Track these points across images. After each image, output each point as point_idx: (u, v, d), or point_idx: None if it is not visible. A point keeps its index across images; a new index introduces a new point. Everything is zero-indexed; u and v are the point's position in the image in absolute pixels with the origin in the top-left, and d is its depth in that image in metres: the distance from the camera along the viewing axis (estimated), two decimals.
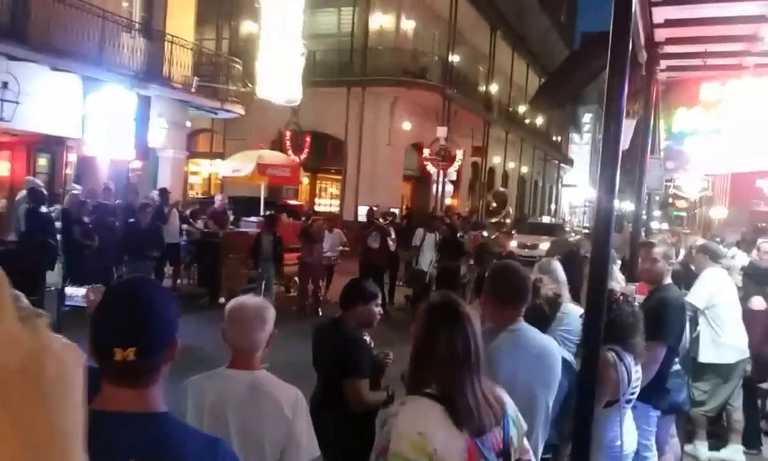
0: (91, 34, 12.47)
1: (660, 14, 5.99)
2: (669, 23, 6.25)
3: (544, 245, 16.68)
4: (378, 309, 3.75)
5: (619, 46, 2.93)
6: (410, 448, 1.84)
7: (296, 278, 12.43)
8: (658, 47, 6.74)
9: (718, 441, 5.79)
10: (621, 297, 3.36)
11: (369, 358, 3.56)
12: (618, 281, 5.36)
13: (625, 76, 2.95)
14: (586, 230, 26.46)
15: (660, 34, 6.54)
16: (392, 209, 21.62)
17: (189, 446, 1.44)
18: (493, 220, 21.48)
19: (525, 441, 2.08)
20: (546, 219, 25.56)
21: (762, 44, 6.43)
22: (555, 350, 2.73)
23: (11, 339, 0.80)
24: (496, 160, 33.43)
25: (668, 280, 4.35)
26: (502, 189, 23.85)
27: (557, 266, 4.19)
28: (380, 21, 23.76)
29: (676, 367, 4.44)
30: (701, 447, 5.66)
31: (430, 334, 2.01)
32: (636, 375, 3.29)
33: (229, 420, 2.35)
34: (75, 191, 11.03)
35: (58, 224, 9.78)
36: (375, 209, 14.19)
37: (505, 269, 2.79)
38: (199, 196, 20.49)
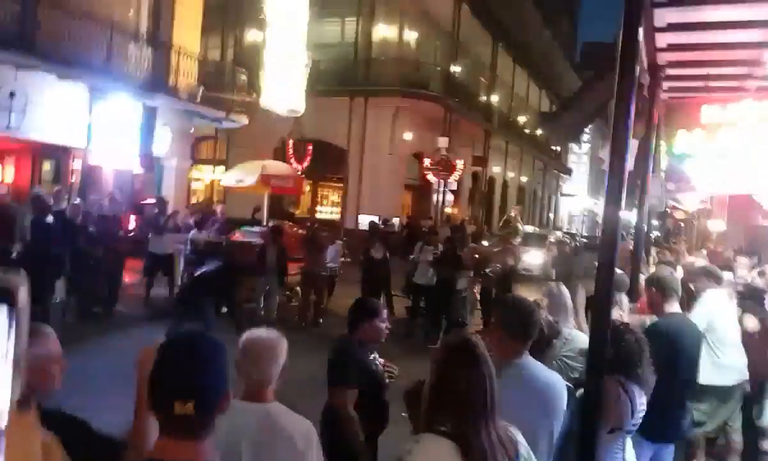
0: (98, 44, 12.55)
1: (663, 39, 6.07)
2: (672, 48, 6.34)
3: (531, 255, 16.26)
4: (384, 324, 3.83)
5: (626, 70, 2.99)
6: None
7: (298, 289, 12.49)
8: (661, 70, 6.83)
9: None
10: (622, 327, 3.40)
11: (361, 370, 3.62)
12: (621, 306, 5.44)
13: (631, 100, 3.00)
14: (583, 239, 26.44)
15: (663, 58, 6.63)
16: (394, 219, 21.75)
17: None
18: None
19: None
20: (530, 229, 25.11)
21: (763, 69, 6.53)
22: (559, 384, 2.77)
23: None
24: (496, 170, 33.53)
25: (668, 307, 4.41)
26: (513, 214, 23.84)
27: (562, 291, 4.24)
28: (383, 32, 23.90)
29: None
30: None
31: (448, 374, 2.03)
32: (641, 405, 3.32)
33: (243, 453, 2.40)
34: (76, 202, 11.09)
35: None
36: (379, 221, 14.30)
37: (517, 303, 2.83)
38: (196, 206, 20.49)
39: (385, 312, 3.95)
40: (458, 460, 1.91)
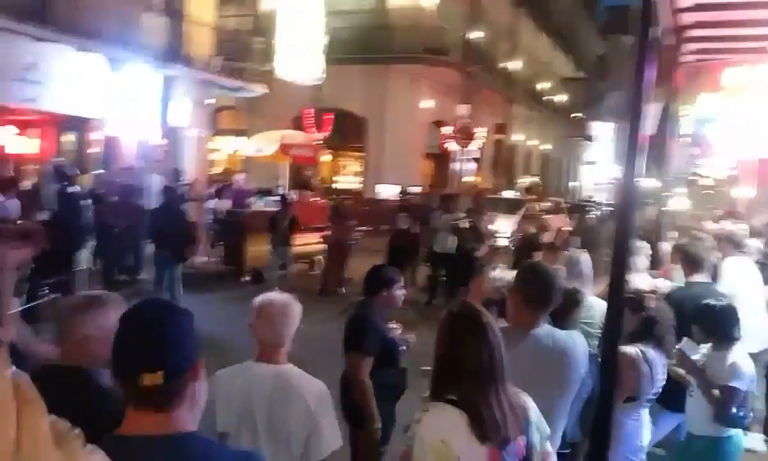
0: (115, 15, 12.53)
1: None
2: (694, 7, 6.15)
3: (499, 223, 14.92)
4: (401, 292, 3.85)
5: (645, 29, 2.91)
6: (434, 456, 1.90)
7: (320, 257, 12.55)
8: (684, 32, 6.65)
9: None
10: (651, 296, 3.35)
11: (378, 338, 3.64)
12: (640, 271, 5.36)
13: (650, 61, 2.93)
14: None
15: (685, 19, 6.45)
16: (414, 188, 21.67)
17: None
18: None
19: (547, 444, 2.10)
20: (509, 194, 23.46)
21: None
22: (579, 350, 2.65)
23: None
24: (518, 137, 33.15)
25: (693, 277, 4.34)
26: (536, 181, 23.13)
27: (582, 259, 4.18)
28: None
29: None
30: None
31: (454, 343, 2.02)
32: (661, 374, 3.28)
33: (256, 413, 2.45)
34: (98, 172, 11.23)
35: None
36: (407, 191, 14.25)
37: (535, 271, 2.74)
38: (219, 175, 20.57)
39: (402, 280, 3.95)
40: (467, 428, 1.90)
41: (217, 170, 24.46)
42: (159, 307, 1.51)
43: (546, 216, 13.55)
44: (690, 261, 4.41)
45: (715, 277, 5.60)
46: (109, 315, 2.08)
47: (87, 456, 1.08)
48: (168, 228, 8.51)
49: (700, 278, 4.42)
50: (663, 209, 7.19)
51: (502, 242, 12.29)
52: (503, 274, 2.83)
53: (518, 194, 23.72)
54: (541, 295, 2.63)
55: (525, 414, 2.02)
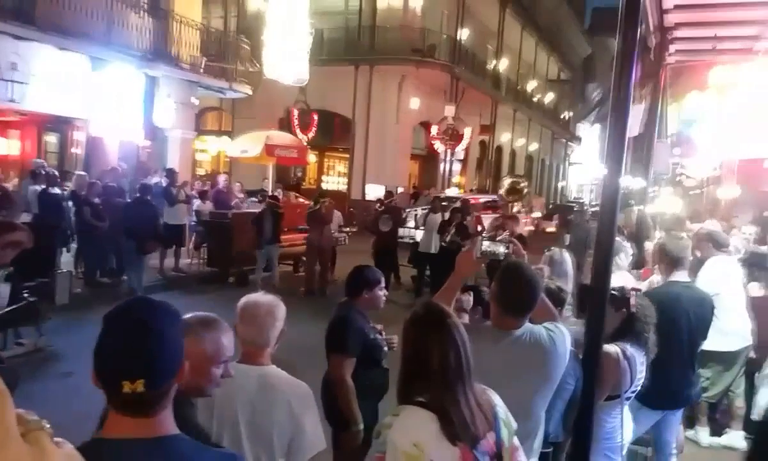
0: (98, 13, 12.42)
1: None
2: (679, 8, 6.20)
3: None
4: (383, 293, 3.83)
5: (629, 28, 2.91)
6: (406, 460, 1.89)
7: (304, 258, 12.49)
8: (668, 32, 6.70)
9: (719, 427, 5.83)
10: (633, 292, 3.35)
11: (360, 339, 3.62)
12: (622, 268, 5.38)
13: (633, 60, 2.92)
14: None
15: (670, 19, 6.49)
16: (399, 189, 21.67)
17: None
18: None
19: (515, 440, 2.09)
20: (451, 192, 22.85)
21: None
22: (553, 345, 2.59)
23: None
24: (504, 138, 33.26)
25: (673, 275, 4.34)
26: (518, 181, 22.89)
27: (565, 258, 4.18)
28: None
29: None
30: (702, 433, 5.70)
31: (420, 345, 1.99)
32: (640, 372, 3.29)
33: (239, 415, 2.42)
34: (81, 173, 11.11)
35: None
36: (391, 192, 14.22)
37: (514, 275, 2.61)
38: (204, 177, 20.44)
39: (383, 280, 3.93)
40: (438, 430, 1.89)
41: (202, 171, 24.34)
42: (143, 310, 1.42)
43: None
44: (669, 260, 4.40)
45: (695, 275, 5.64)
46: (205, 340, 2.01)
47: (56, 447, 1.05)
48: (136, 222, 9.05)
49: (680, 276, 4.42)
50: (647, 208, 7.24)
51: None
52: (494, 247, 2.80)
53: (457, 190, 23.63)
54: (520, 303, 2.58)
55: (492, 411, 2.01)
